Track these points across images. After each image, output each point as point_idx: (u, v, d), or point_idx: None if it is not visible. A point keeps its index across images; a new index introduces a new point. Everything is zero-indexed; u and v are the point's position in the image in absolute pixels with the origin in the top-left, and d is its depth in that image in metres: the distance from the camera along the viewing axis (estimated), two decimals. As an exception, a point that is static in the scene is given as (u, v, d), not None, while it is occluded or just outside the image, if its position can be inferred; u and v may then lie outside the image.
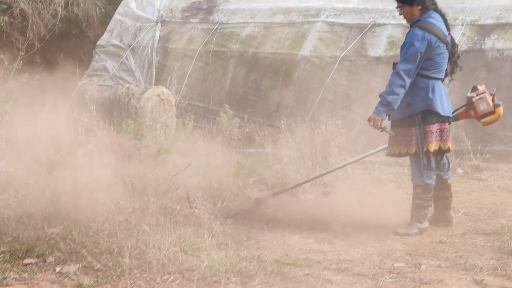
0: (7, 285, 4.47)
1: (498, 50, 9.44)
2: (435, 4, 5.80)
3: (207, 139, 9.08)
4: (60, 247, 4.98)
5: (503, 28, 9.65)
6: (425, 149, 5.67)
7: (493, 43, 9.54)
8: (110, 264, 4.78)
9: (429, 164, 5.74)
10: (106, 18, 13.21)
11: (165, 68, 11.47)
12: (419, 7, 5.69)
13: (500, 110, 5.89)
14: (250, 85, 10.80)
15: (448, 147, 5.77)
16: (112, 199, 5.69)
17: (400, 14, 5.88)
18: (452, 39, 5.85)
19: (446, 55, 5.72)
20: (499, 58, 9.42)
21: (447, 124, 5.77)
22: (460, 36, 9.76)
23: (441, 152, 5.79)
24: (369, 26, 10.46)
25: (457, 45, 5.97)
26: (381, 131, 5.81)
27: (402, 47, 5.74)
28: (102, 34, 12.34)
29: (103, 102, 9.09)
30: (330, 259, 5.14)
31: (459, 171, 8.29)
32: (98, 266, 4.74)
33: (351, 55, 10.29)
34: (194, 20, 11.83)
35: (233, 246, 5.32)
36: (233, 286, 4.55)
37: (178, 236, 5.14)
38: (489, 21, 9.78)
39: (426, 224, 5.83)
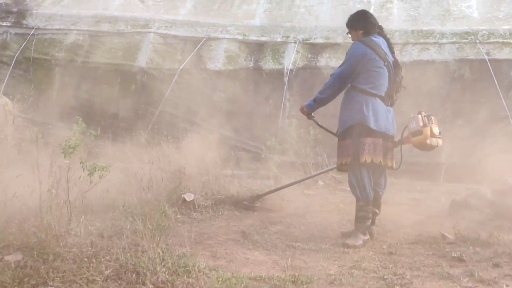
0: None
1: (332, 68, 10.02)
2: (380, 28, 6.19)
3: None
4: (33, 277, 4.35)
5: (333, 47, 10.30)
6: (358, 160, 5.93)
7: (326, 61, 10.15)
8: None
9: (363, 178, 5.98)
10: None
11: (-26, 74, 10.38)
12: (361, 31, 6.14)
13: (427, 130, 6.07)
14: (82, 96, 10.21)
15: (380, 162, 5.98)
16: (61, 221, 5.10)
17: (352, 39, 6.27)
18: (396, 61, 6.16)
19: (383, 71, 6.00)
20: (334, 76, 10.05)
21: (380, 139, 5.98)
22: (295, 53, 10.29)
23: (378, 168, 6.06)
24: (204, 39, 10.52)
25: (401, 67, 6.24)
26: (309, 118, 6.38)
27: None
28: None
29: None
30: (312, 274, 5.01)
31: (320, 183, 8.60)
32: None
33: (190, 68, 10.25)
34: (5, 24, 10.88)
35: (214, 267, 5.08)
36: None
37: (163, 257, 4.79)
38: (320, 40, 10.38)
39: (367, 235, 6.04)
